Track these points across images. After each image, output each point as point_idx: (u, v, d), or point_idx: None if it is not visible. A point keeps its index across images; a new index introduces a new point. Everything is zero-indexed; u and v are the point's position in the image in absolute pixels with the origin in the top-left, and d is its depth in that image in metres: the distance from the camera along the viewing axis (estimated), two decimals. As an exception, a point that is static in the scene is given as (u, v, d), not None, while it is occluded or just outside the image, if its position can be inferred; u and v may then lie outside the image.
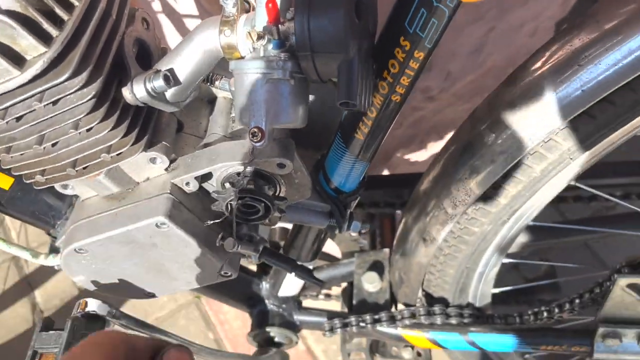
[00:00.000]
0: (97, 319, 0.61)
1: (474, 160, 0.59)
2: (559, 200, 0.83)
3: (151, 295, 0.66)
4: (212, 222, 0.56)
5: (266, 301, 0.84)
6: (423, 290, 0.81)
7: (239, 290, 0.84)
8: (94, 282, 0.63)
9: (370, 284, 0.83)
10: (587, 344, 0.76)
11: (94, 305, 0.60)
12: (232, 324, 1.39)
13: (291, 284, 0.81)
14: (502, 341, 0.79)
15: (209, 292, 0.84)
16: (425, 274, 0.75)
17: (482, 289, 0.80)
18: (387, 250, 0.86)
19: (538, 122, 0.53)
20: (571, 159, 0.56)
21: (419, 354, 0.97)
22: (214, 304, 1.41)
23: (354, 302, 0.84)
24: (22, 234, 1.55)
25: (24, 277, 1.48)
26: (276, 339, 0.84)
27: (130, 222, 0.55)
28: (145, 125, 0.53)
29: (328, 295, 0.98)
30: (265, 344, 0.84)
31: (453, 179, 0.62)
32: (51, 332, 0.56)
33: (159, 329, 0.68)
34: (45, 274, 1.48)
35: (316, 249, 0.75)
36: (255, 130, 0.47)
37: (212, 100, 0.63)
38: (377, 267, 0.85)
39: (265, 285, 0.84)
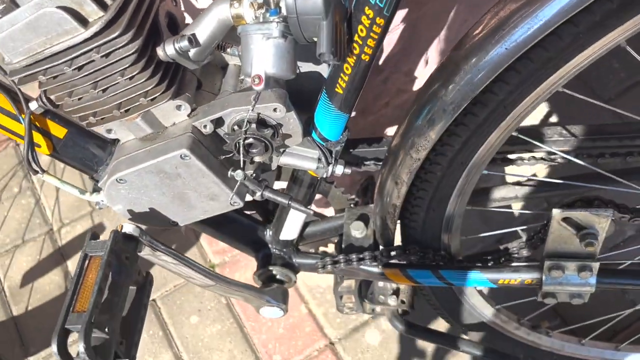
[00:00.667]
0: (131, 239, 0.77)
1: (431, 113, 0.74)
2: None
3: (174, 224, 0.82)
4: (224, 157, 0.72)
5: (269, 245, 1.00)
6: (401, 233, 0.96)
7: (246, 236, 0.99)
8: (129, 211, 0.79)
9: (357, 230, 0.99)
10: (537, 277, 0.90)
11: (129, 227, 0.76)
12: (242, 290, 1.54)
13: (290, 229, 0.96)
14: (467, 277, 0.94)
15: (222, 238, 0.99)
16: (400, 216, 0.90)
17: (450, 234, 0.95)
18: (372, 205, 1.01)
19: (478, 77, 0.69)
20: (504, 107, 0.71)
21: (402, 302, 1.12)
22: (227, 273, 1.57)
23: (343, 246, 0.99)
24: (55, 211, 1.72)
25: (57, 248, 1.65)
26: (278, 277, 0.99)
27: (160, 155, 0.71)
28: (173, 78, 0.69)
29: (325, 253, 1.13)
30: (268, 281, 0.99)
31: (416, 130, 0.77)
32: (98, 240, 0.72)
33: (182, 255, 0.84)
34: (76, 246, 1.65)
35: (310, 196, 0.90)
36: (256, 76, 0.63)
37: (224, 66, 0.79)
38: (363, 218, 1.01)
39: (268, 232, 0.99)
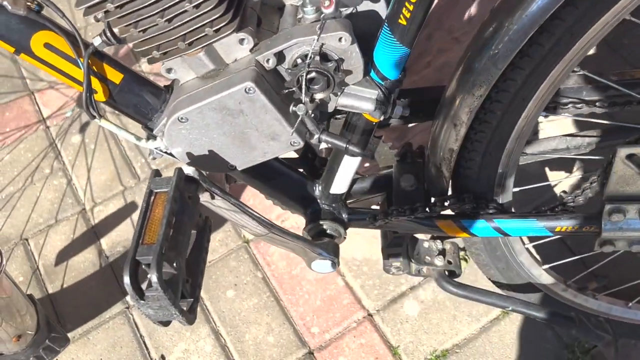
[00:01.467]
0: (192, 181, 0.76)
1: (495, 44, 0.73)
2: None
3: (232, 168, 0.81)
4: (286, 91, 0.72)
5: (319, 201, 0.99)
6: (454, 186, 0.95)
7: (295, 191, 0.98)
8: (188, 154, 0.79)
9: (407, 183, 0.97)
10: (596, 223, 0.89)
11: (189, 170, 0.75)
12: (278, 264, 1.53)
13: (341, 182, 0.95)
14: (523, 226, 0.92)
15: (271, 192, 0.98)
16: (455, 164, 0.89)
17: (505, 185, 0.93)
18: (420, 160, 1.00)
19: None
20: (571, 35, 0.70)
21: (449, 262, 1.11)
22: (261, 248, 1.56)
23: (393, 199, 0.98)
24: (87, 190, 1.72)
25: (90, 227, 1.64)
26: (328, 231, 0.98)
27: (224, 90, 0.70)
28: (237, 10, 0.69)
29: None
30: (318, 236, 0.98)
31: (478, 65, 0.76)
32: (163, 177, 0.71)
33: (238, 200, 0.83)
34: (109, 225, 1.65)
35: (365, 140, 0.89)
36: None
37: (281, 7, 0.78)
38: (413, 172, 0.99)
39: (317, 187, 0.98)
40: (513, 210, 0.99)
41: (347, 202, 1.05)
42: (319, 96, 0.74)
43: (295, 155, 1.04)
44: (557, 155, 0.96)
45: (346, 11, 0.78)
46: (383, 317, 1.44)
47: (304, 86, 0.71)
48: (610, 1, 0.67)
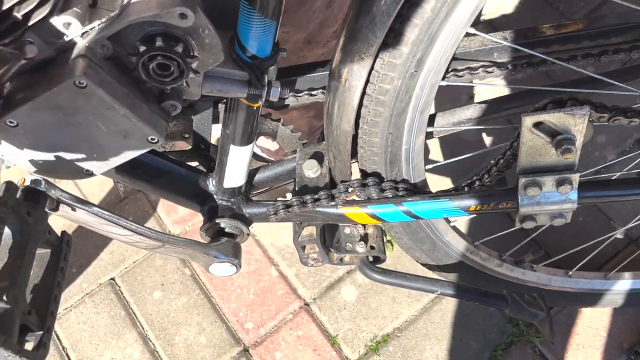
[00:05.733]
0: (34, 193, 0.65)
1: (371, 10, 0.63)
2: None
3: (89, 174, 0.70)
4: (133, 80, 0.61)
5: (215, 197, 0.89)
6: (359, 169, 0.86)
7: (187, 188, 0.88)
8: (32, 162, 0.67)
9: (310, 170, 0.88)
10: (513, 199, 0.81)
11: (32, 180, 0.65)
12: (207, 259, 1.44)
13: (234, 175, 0.85)
14: (435, 207, 0.84)
15: (159, 192, 0.88)
16: (356, 145, 0.80)
17: (413, 164, 0.84)
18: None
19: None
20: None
21: (372, 247, 1.02)
22: (188, 242, 1.46)
23: (296, 188, 0.88)
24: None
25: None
26: (227, 230, 0.89)
27: (51, 86, 0.59)
28: (54, -11, 0.57)
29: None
30: (217, 235, 0.88)
31: (358, 35, 0.66)
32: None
33: (104, 210, 0.73)
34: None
35: (250, 132, 0.79)
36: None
37: (126, -19, 0.67)
38: (317, 156, 0.90)
39: (211, 182, 0.88)
40: (431, 190, 0.90)
41: (254, 193, 0.96)
42: (170, 84, 0.63)
43: (187, 147, 0.94)
44: (469, 126, 0.87)
45: (203, -19, 0.68)
46: (320, 305, 1.36)
47: (153, 74, 0.61)
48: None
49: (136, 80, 0.63)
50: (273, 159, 1.05)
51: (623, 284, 1.22)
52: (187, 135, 0.92)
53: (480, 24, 1.69)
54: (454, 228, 1.03)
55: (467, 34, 0.69)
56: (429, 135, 0.89)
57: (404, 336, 1.31)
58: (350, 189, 0.83)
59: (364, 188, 0.83)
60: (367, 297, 1.36)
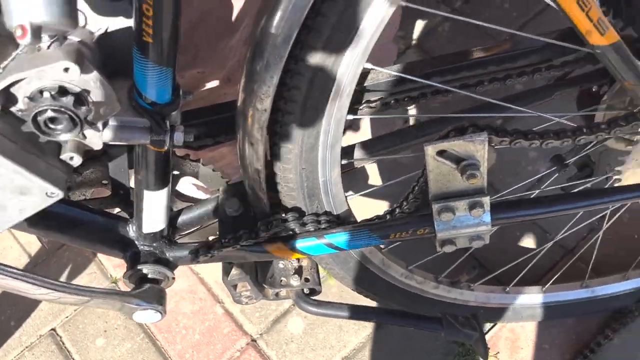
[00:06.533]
0: None
1: (264, 52, 0.64)
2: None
3: (-9, 232, 0.68)
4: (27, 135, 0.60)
5: (136, 242, 0.87)
6: (281, 204, 0.86)
7: (107, 236, 0.87)
8: None
9: (231, 208, 0.88)
10: (429, 225, 0.82)
11: None
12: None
13: (152, 219, 0.84)
14: (356, 238, 0.84)
15: (81, 243, 0.86)
16: (270, 184, 0.80)
17: (333, 196, 0.85)
18: (249, 179, 0.90)
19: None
20: (341, 31, 0.62)
21: (306, 280, 1.02)
22: (130, 286, 1.43)
23: (220, 229, 0.88)
24: None
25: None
26: (150, 276, 0.87)
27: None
28: None
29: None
30: (141, 282, 0.87)
31: (254, 77, 0.67)
32: None
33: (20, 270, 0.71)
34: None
35: (163, 177, 0.79)
36: (19, 27, 0.51)
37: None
38: (239, 194, 0.90)
39: (132, 228, 0.87)
40: (352, 219, 0.91)
41: (181, 235, 0.95)
42: (64, 137, 0.63)
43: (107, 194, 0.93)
44: (385, 156, 0.89)
45: (98, 32, 0.68)
46: (267, 340, 1.35)
47: (49, 129, 0.60)
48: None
49: (30, 135, 0.62)
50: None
51: (559, 296, 1.24)
52: (105, 182, 0.90)
53: (412, 47, 1.74)
54: (385, 254, 1.04)
55: (365, 69, 0.70)
56: (350, 166, 0.90)
57: (352, 365, 1.31)
58: (270, 226, 0.83)
59: (284, 224, 0.83)
60: (314, 328, 1.35)
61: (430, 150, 0.72)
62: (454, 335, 1.00)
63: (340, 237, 0.84)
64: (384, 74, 0.78)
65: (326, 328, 1.35)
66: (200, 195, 1.16)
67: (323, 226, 0.85)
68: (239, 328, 1.37)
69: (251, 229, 0.84)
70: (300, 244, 0.85)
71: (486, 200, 0.79)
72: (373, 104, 0.79)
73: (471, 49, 0.86)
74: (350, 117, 0.77)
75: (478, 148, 0.72)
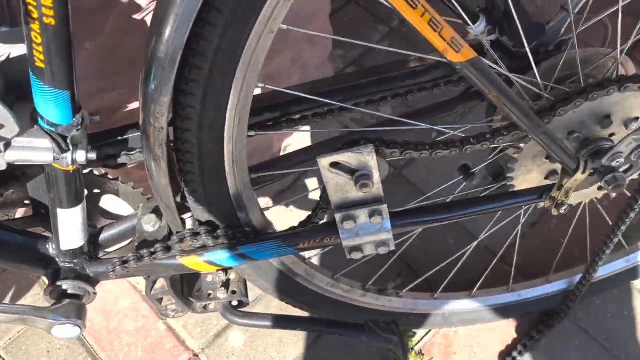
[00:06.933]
0: None
1: (154, 74, 0.68)
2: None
3: None
4: None
5: (57, 260, 0.90)
6: (195, 219, 0.89)
7: (27, 255, 0.89)
8: None
9: (149, 224, 0.91)
10: (335, 233, 0.86)
11: None
12: (94, 320, 1.42)
13: (69, 236, 0.87)
14: (268, 249, 0.88)
15: (4, 263, 0.89)
16: (179, 199, 0.84)
17: (246, 209, 0.89)
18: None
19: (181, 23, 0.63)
20: (224, 54, 0.66)
21: (233, 292, 1.05)
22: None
23: (136, 243, 0.91)
24: None
25: None
26: (70, 292, 0.90)
27: None
28: None
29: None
30: (61, 298, 0.89)
31: (149, 97, 0.71)
32: None
33: None
34: None
35: (75, 193, 0.82)
36: None
37: None
38: (157, 210, 0.93)
39: (51, 245, 0.90)
40: (277, 230, 0.95)
41: (107, 252, 0.98)
42: (-38, 159, 0.66)
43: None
44: (292, 170, 0.93)
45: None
46: (208, 354, 1.37)
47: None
48: (247, 16, 0.64)
49: None
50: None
51: (487, 300, 1.29)
52: (27, 202, 0.93)
53: (353, 65, 1.80)
54: (309, 264, 1.08)
55: (262, 88, 0.74)
56: (260, 181, 0.94)
57: (291, 376, 1.33)
58: (182, 240, 0.87)
59: (196, 237, 0.87)
60: (254, 340, 1.38)
61: (323, 162, 0.76)
62: (375, 340, 1.04)
63: (251, 248, 0.88)
64: (286, 93, 0.83)
65: (266, 340, 1.38)
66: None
67: (237, 239, 0.89)
68: (181, 344, 1.39)
69: (165, 243, 0.88)
70: (213, 256, 0.88)
71: (384, 208, 0.83)
72: (274, 121, 0.84)
73: (376, 67, 0.91)
74: (253, 133, 0.81)
75: (368, 159, 0.77)
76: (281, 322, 1.04)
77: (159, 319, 1.43)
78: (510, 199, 0.84)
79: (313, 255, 1.09)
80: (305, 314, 1.11)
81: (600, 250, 1.11)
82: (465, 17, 0.85)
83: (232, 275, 1.06)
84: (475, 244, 1.20)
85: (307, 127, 0.99)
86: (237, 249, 0.88)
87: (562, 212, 0.82)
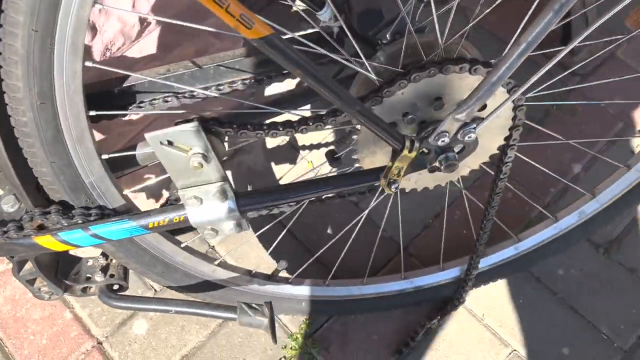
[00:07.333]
0: None
1: None
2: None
3: None
4: None
5: None
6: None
7: None
8: None
9: (7, 204, 0.93)
10: (183, 213, 0.88)
11: None
12: (2, 309, 1.44)
13: None
14: (120, 228, 0.90)
15: None
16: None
17: (102, 190, 0.90)
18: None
19: None
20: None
21: (112, 276, 1.07)
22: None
23: (-4, 224, 0.92)
24: None
25: None
26: None
27: None
28: None
29: None
30: None
31: None
32: None
33: None
34: None
35: None
36: None
37: None
38: (17, 191, 0.95)
39: None
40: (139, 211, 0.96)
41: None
42: None
43: None
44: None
45: None
46: (112, 342, 1.38)
47: None
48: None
49: None
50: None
51: (380, 287, 1.31)
52: None
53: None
54: (187, 249, 1.09)
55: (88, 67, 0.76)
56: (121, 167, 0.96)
57: (191, 363, 1.35)
58: (33, 218, 0.88)
59: (46, 216, 0.88)
60: (157, 328, 1.39)
61: (149, 138, 0.78)
62: (248, 321, 1.05)
63: (104, 228, 0.89)
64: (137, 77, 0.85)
65: (169, 329, 1.39)
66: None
67: (92, 219, 0.91)
68: (86, 332, 1.40)
69: (18, 222, 0.89)
70: (67, 236, 0.90)
71: (227, 187, 0.85)
72: (119, 103, 0.86)
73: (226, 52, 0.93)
74: (93, 113, 0.83)
75: (198, 136, 0.78)
76: (157, 304, 1.06)
77: (65, 308, 1.44)
78: (349, 180, 0.86)
79: (189, 240, 1.10)
80: (180, 296, 1.13)
81: (478, 235, 1.14)
82: (311, 3, 0.88)
83: (113, 260, 1.08)
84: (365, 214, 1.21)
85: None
86: (89, 228, 0.90)
87: (393, 190, 0.84)
